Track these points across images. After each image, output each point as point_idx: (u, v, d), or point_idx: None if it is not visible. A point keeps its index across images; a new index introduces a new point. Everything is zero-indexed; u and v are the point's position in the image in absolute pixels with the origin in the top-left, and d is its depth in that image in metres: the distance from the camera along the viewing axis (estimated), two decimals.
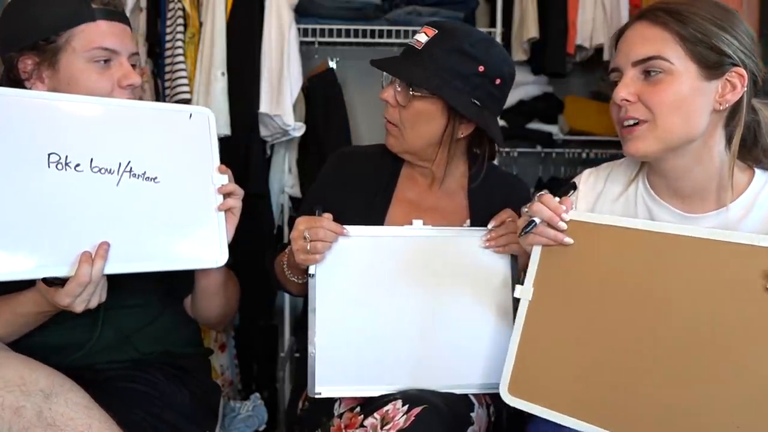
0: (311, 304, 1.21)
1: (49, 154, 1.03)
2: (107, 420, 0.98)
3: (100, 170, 1.07)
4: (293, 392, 1.42)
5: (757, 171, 1.09)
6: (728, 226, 1.06)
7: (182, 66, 2.14)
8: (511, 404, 1.08)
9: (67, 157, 1.04)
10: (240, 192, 1.19)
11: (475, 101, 1.25)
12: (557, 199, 1.08)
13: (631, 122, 1.06)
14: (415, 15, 2.35)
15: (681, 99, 1.02)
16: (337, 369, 1.20)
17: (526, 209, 1.09)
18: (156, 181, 1.11)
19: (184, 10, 2.16)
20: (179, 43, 2.15)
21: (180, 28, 2.15)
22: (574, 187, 1.17)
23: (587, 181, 1.23)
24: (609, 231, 1.04)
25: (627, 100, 1.05)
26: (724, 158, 1.08)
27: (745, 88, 1.02)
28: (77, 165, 1.05)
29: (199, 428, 1.26)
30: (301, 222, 1.20)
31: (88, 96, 1.11)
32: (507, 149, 2.60)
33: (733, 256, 0.94)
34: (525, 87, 2.60)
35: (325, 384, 1.19)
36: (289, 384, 2.32)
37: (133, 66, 1.19)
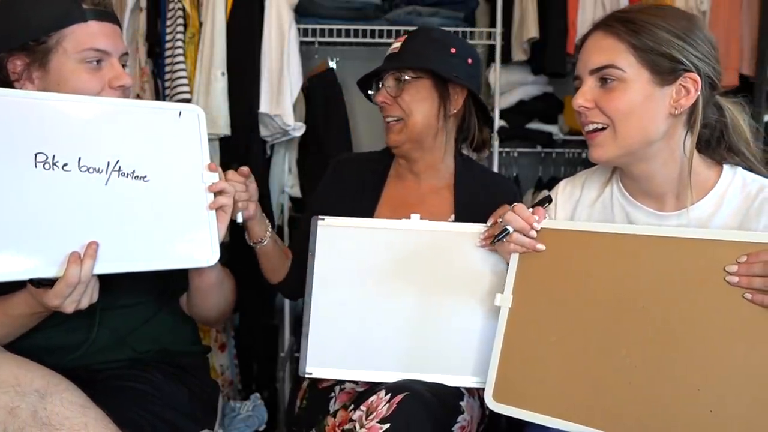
0: (308, 288, 1.26)
1: (36, 154, 1.02)
2: (104, 419, 0.98)
3: (88, 170, 1.05)
4: (292, 391, 1.43)
5: (725, 167, 1.13)
6: (700, 222, 1.09)
7: (182, 66, 2.14)
8: (497, 410, 1.10)
9: (54, 156, 1.03)
10: (231, 190, 1.18)
11: (457, 76, 1.37)
12: (530, 209, 1.13)
13: (591, 127, 1.10)
14: (415, 15, 2.35)
15: (635, 105, 1.06)
16: (329, 351, 1.23)
17: (501, 220, 1.15)
18: (145, 179, 1.10)
19: (184, 10, 2.16)
20: (179, 43, 2.15)
21: (180, 28, 2.15)
22: (549, 200, 1.22)
23: (564, 191, 1.27)
24: (579, 236, 1.09)
25: (585, 107, 1.10)
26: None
27: (699, 92, 1.06)
28: (65, 164, 1.04)
29: (198, 426, 1.25)
30: None
31: (74, 95, 1.10)
32: (507, 149, 2.60)
33: (695, 251, 0.98)
34: (525, 87, 2.59)
35: (317, 365, 1.23)
36: (289, 384, 2.32)
37: (123, 66, 1.19)
